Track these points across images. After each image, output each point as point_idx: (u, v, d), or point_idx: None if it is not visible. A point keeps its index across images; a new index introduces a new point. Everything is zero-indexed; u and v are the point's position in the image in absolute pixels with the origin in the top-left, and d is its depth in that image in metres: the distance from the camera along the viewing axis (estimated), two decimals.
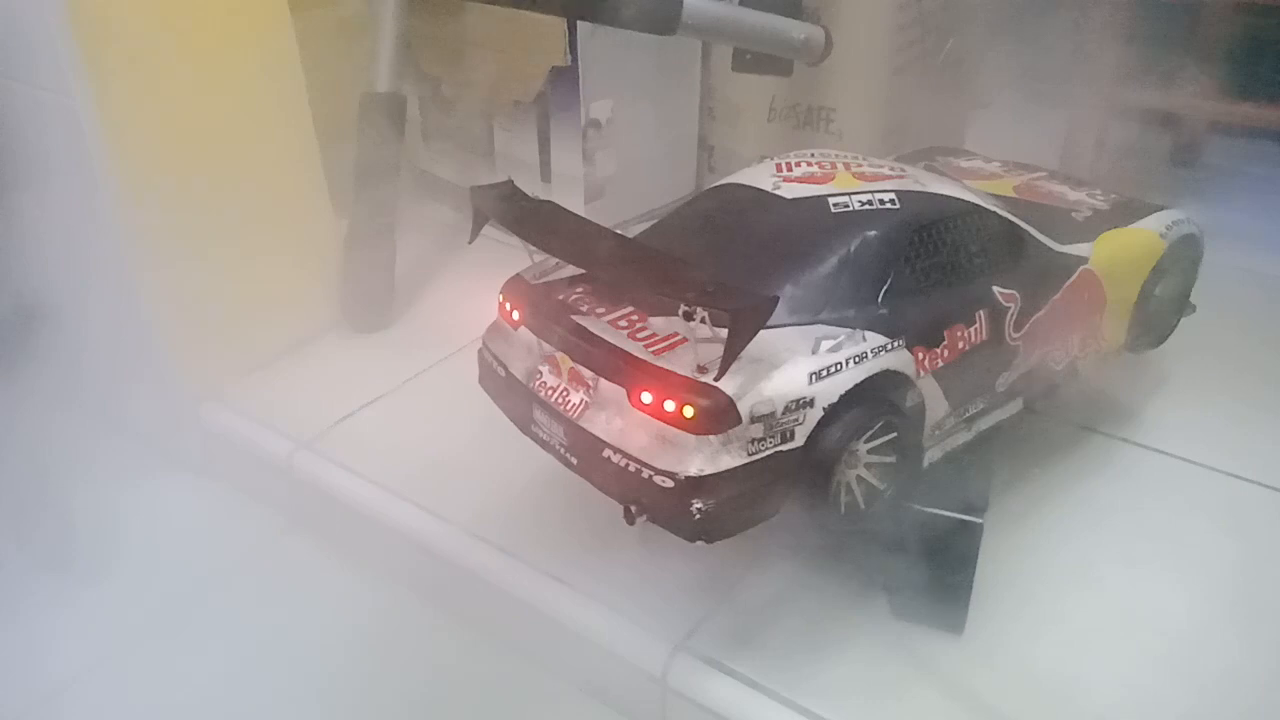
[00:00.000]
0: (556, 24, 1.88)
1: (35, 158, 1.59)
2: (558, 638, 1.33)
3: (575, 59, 1.91)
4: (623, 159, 2.06)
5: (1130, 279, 1.45)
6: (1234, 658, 1.23)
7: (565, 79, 1.94)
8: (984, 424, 1.29)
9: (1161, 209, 1.52)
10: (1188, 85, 2.12)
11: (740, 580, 1.33)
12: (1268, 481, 1.48)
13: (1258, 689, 1.20)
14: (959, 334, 1.20)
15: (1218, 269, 1.60)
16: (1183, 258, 1.52)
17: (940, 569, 1.24)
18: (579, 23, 1.85)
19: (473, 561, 1.41)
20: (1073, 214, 1.48)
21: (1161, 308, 1.51)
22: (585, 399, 1.11)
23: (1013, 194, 1.52)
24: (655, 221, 1.35)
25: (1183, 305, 1.57)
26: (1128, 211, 1.51)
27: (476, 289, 1.40)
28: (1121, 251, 1.42)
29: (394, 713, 1.33)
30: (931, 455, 1.23)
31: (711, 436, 1.01)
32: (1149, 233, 1.47)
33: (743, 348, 0.98)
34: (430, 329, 1.91)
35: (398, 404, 1.73)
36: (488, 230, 1.28)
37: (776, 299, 1.02)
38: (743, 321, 0.97)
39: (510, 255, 1.29)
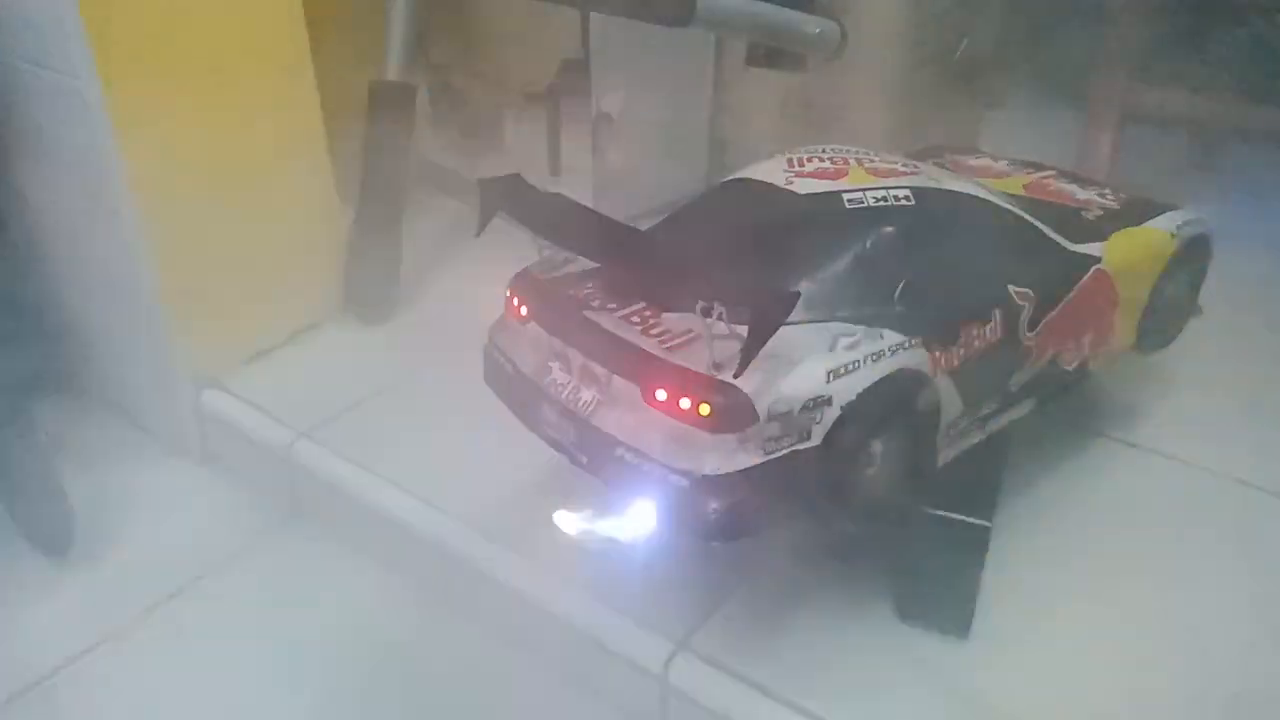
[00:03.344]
0: (569, 16, 1.87)
1: (44, 140, 1.58)
2: (558, 634, 1.32)
3: (587, 52, 1.89)
4: (633, 153, 2.05)
5: (1142, 278, 1.44)
6: (1240, 665, 1.23)
7: (577, 72, 1.93)
8: (996, 424, 1.28)
9: (1172, 208, 1.51)
10: (1203, 88, 2.11)
11: (744, 580, 1.32)
12: (1276, 488, 1.48)
13: (1265, 697, 1.19)
14: (975, 332, 1.19)
15: (1227, 272, 1.59)
16: (1193, 257, 1.51)
17: (946, 572, 1.23)
18: (592, 15, 1.83)
19: (473, 555, 1.40)
20: (1083, 213, 1.47)
21: (1172, 307, 1.50)
22: (597, 396, 1.10)
23: (1022, 193, 1.51)
24: (665, 217, 1.34)
25: (1192, 305, 1.57)
26: (1138, 210, 1.50)
27: (483, 282, 1.38)
28: (1133, 251, 1.41)
29: (391, 705, 1.32)
30: (945, 455, 1.22)
31: (728, 435, 1.00)
32: (1160, 232, 1.46)
33: (763, 344, 0.97)
34: (435, 321, 1.90)
35: (400, 396, 1.71)
36: (495, 224, 1.27)
37: (798, 294, 1.01)
38: (764, 317, 0.96)
39: (517, 249, 1.27)
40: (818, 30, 1.70)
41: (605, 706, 1.30)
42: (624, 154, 2.03)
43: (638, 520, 1.07)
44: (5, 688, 1.34)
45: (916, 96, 2.00)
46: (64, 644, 1.40)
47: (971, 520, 1.20)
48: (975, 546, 1.21)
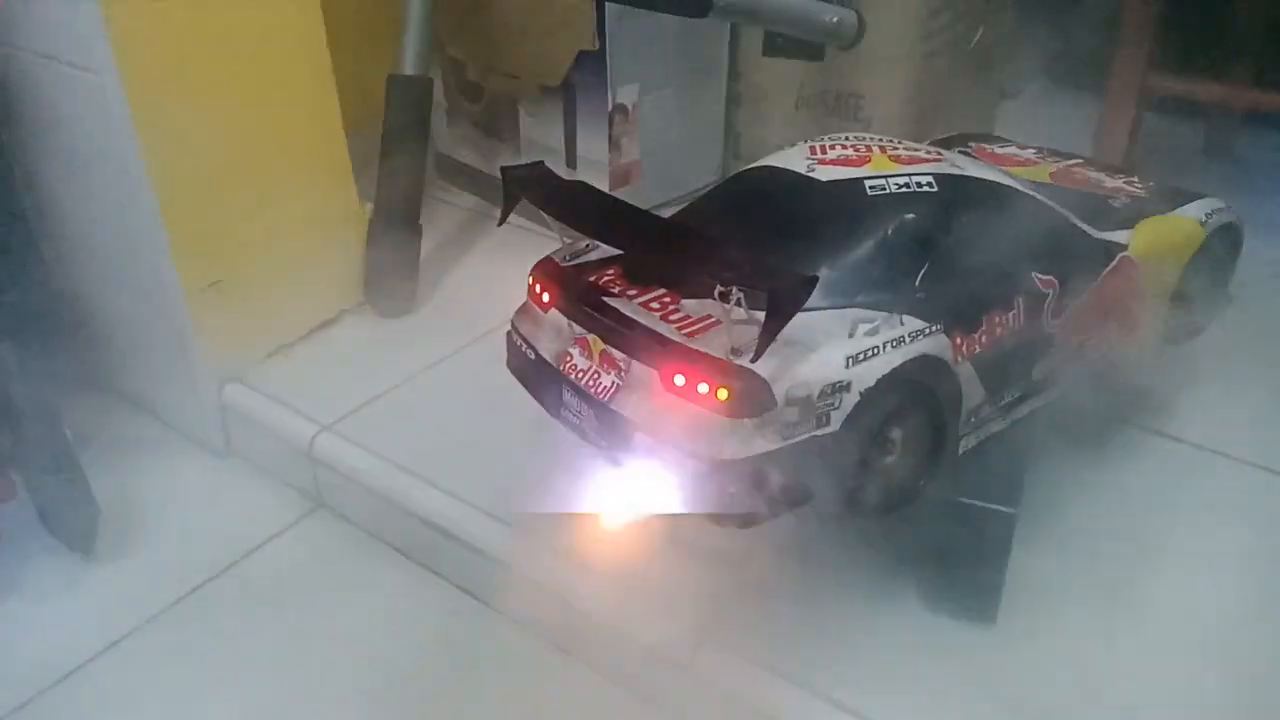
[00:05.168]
0: (585, 7, 1.86)
1: (64, 136, 1.59)
2: (582, 624, 1.32)
3: (603, 43, 1.89)
4: (649, 144, 2.05)
5: (1169, 267, 1.42)
6: (1267, 653, 1.21)
7: (592, 63, 1.93)
8: (1019, 413, 1.27)
9: (1201, 196, 1.49)
10: (1223, 74, 2.09)
11: (768, 567, 1.31)
12: None
13: None
14: (997, 320, 1.18)
15: (1252, 261, 1.57)
16: (1223, 246, 1.49)
17: (972, 560, 1.22)
18: (608, 6, 1.83)
19: (495, 546, 1.40)
20: (1110, 201, 1.46)
21: (1201, 296, 1.48)
22: (616, 381, 1.10)
23: (1049, 180, 1.49)
24: (687, 204, 1.33)
25: (1222, 294, 1.55)
26: (1166, 199, 1.48)
27: (501, 273, 1.38)
28: (1161, 239, 1.39)
29: (413, 697, 1.33)
30: (966, 444, 1.20)
31: (746, 420, 1.00)
32: (1189, 220, 1.44)
33: (780, 329, 0.96)
34: (455, 313, 1.90)
35: (422, 388, 1.72)
36: (512, 215, 1.27)
37: (816, 279, 1.00)
38: (781, 302, 0.95)
39: (534, 240, 1.28)
40: (835, 19, 1.70)
41: (629, 695, 1.30)
42: (639, 146, 2.03)
43: (658, 507, 1.07)
44: (33, 684, 1.35)
45: (932, 85, 1.99)
46: (89, 640, 1.41)
47: (997, 508, 1.19)
48: (1001, 534, 1.20)
